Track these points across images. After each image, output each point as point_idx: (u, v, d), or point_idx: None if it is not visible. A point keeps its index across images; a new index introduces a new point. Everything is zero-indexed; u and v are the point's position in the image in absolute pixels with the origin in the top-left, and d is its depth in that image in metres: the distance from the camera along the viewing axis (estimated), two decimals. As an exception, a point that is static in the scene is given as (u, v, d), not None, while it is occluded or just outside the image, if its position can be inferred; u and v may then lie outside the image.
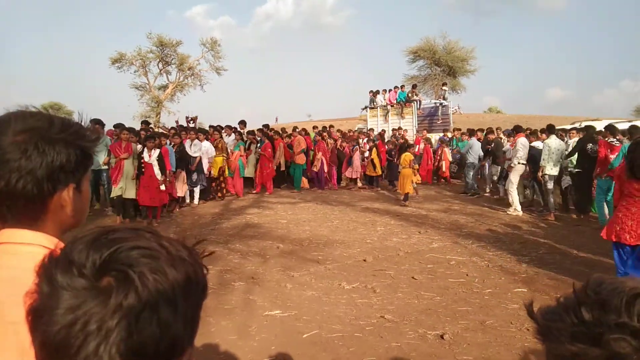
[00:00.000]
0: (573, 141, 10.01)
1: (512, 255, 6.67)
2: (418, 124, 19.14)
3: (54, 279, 0.58)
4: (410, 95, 19.70)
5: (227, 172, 12.03)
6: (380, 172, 14.37)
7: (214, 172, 11.54)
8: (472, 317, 4.49)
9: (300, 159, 13.53)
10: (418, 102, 19.59)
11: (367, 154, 14.44)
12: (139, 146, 8.93)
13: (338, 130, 17.78)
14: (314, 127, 17.55)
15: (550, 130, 9.79)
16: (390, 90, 20.48)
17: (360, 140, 15.27)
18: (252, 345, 3.92)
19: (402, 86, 21.04)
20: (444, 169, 15.25)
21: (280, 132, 15.30)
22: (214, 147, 11.55)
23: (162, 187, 8.89)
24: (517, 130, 10.94)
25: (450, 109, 19.99)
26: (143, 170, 8.66)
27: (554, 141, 9.50)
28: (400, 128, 18.02)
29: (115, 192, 8.60)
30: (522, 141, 10.07)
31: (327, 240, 7.57)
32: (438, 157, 15.32)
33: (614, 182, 6.16)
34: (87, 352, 0.54)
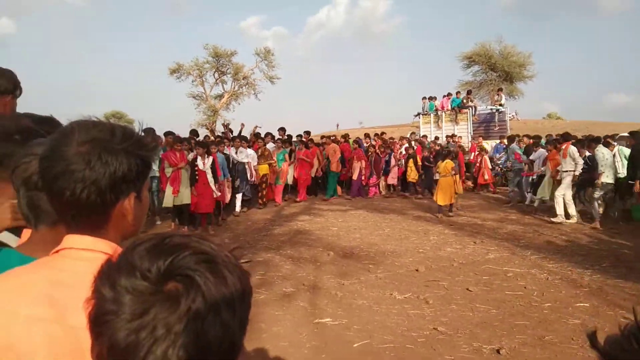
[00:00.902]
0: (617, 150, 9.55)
1: (573, 267, 6.35)
2: (473, 130, 18.68)
3: (118, 283, 0.59)
4: (465, 101, 19.26)
5: (269, 179, 12.06)
6: (416, 179, 14.11)
7: (257, 180, 11.63)
8: (531, 332, 4.30)
9: (336, 167, 13.35)
10: (473, 109, 19.12)
11: (401, 161, 14.29)
12: (191, 154, 9.10)
13: (375, 135, 17.57)
14: (366, 135, 17.50)
15: (596, 141, 9.82)
16: (444, 96, 20.12)
17: (400, 147, 15.13)
18: (302, 353, 3.93)
19: (458, 92, 20.62)
20: (485, 177, 14.71)
21: (340, 138, 15.24)
22: (260, 154, 11.67)
23: (216, 194, 8.99)
24: (565, 138, 10.41)
25: (507, 115, 19.38)
26: (197, 177, 8.73)
27: (606, 150, 9.43)
28: (454, 135, 17.64)
29: (173, 200, 8.68)
30: (573, 150, 9.64)
31: (378, 248, 7.49)
32: (478, 165, 14.88)
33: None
34: (155, 356, 0.55)
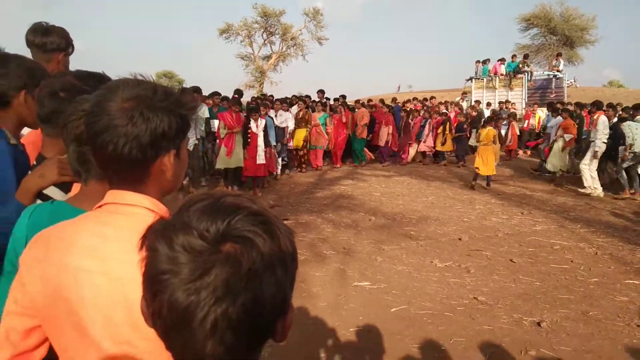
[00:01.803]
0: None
1: (625, 243, 6.10)
2: (528, 97, 17.89)
3: (175, 242, 0.59)
4: (521, 65, 18.39)
5: (311, 143, 11.84)
6: (451, 148, 13.45)
7: (298, 144, 11.41)
8: (574, 307, 4.21)
9: (363, 133, 12.81)
10: (529, 74, 18.26)
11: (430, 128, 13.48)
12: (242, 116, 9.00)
13: (414, 99, 17.07)
14: (414, 98, 17.11)
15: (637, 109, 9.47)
16: (498, 60, 19.29)
17: (449, 112, 14.47)
18: (340, 314, 4.00)
19: (514, 56, 19.70)
20: (510, 142, 14.09)
21: (378, 102, 14.77)
22: (299, 118, 11.38)
23: (262, 160, 8.79)
24: (598, 106, 10.03)
25: (565, 81, 18.39)
26: (249, 141, 8.61)
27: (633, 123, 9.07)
28: (507, 101, 16.98)
29: (227, 162, 8.61)
30: (603, 119, 9.26)
31: (420, 215, 7.43)
32: (508, 132, 14.16)
33: None
34: (216, 315, 0.56)
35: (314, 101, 13.40)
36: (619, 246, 5.99)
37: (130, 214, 0.95)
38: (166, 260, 0.59)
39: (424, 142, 13.54)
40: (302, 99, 12.63)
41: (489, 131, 9.80)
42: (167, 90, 0.98)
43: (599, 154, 9.25)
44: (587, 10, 40.52)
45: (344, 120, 12.52)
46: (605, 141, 9.21)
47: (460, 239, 6.19)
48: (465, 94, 18.91)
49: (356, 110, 13.43)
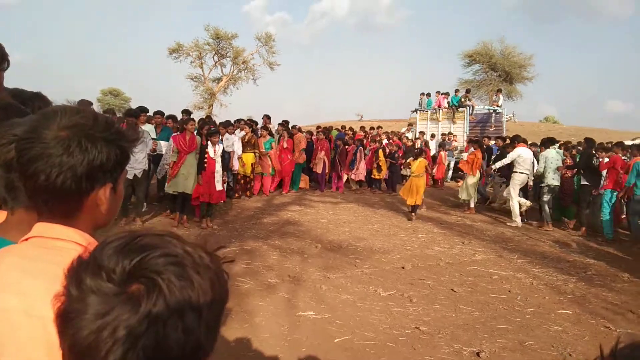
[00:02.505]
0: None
1: (559, 273, 6.39)
2: (470, 130, 18.67)
3: (83, 282, 0.59)
4: (463, 100, 19.22)
5: (257, 169, 11.46)
6: (383, 176, 13.80)
7: (246, 170, 11.01)
8: (512, 337, 4.33)
9: (300, 158, 12.70)
10: (471, 108, 19.09)
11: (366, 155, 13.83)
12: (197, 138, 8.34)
13: (361, 128, 17.47)
14: (361, 127, 17.44)
15: (545, 144, 10.03)
16: (443, 94, 20.08)
17: (385, 141, 14.96)
18: (283, 346, 3.92)
19: (457, 90, 20.57)
20: (438, 173, 15.16)
21: (318, 130, 14.87)
22: (245, 142, 11.02)
23: (220, 186, 8.26)
24: (516, 140, 10.78)
25: (504, 116, 19.36)
26: (205, 165, 7.98)
27: (553, 152, 9.81)
28: (450, 133, 17.65)
29: (175, 187, 7.88)
30: (519, 151, 10.01)
31: (366, 243, 7.50)
32: (438, 160, 15.30)
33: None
34: (116, 357, 0.55)
35: (259, 127, 13.12)
36: (554, 276, 6.26)
37: (58, 248, 0.90)
38: (75, 301, 0.58)
39: (357, 170, 13.71)
40: (247, 123, 12.37)
41: (420, 162, 9.75)
42: (108, 120, 0.95)
43: (517, 185, 9.94)
44: (525, 49, 43.01)
45: (285, 145, 12.29)
46: (523, 172, 9.89)
47: (403, 268, 6.27)
48: (411, 125, 19.49)
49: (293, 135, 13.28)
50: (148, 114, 9.60)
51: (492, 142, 15.25)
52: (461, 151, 16.36)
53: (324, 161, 13.06)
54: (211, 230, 7.78)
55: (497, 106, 19.17)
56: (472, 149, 11.94)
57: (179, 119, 10.60)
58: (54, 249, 0.90)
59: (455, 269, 6.39)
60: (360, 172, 13.65)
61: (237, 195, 11.04)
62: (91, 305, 0.57)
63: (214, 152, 8.11)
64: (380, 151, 13.64)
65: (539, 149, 10.32)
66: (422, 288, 5.55)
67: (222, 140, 9.88)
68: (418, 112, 20.64)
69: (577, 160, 10.09)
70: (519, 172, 9.95)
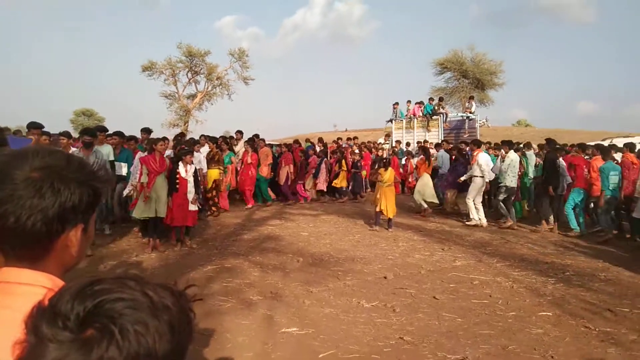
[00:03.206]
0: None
1: (538, 276, 6.48)
2: (444, 136, 18.93)
3: (40, 330, 0.58)
4: (436, 108, 19.52)
5: (221, 186, 11.27)
6: (345, 184, 14.04)
7: (208, 186, 10.74)
8: (494, 342, 4.36)
9: (266, 172, 12.68)
10: (444, 115, 19.39)
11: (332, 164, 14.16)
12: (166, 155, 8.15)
13: (339, 139, 17.59)
14: (339, 138, 17.53)
15: (510, 145, 10.57)
16: (417, 103, 20.37)
17: (356, 151, 15.20)
18: (267, 364, 3.88)
19: (431, 99, 20.87)
20: (410, 179, 15.59)
21: (294, 143, 14.88)
22: (210, 158, 10.90)
23: (193, 207, 7.89)
24: (477, 144, 11.29)
25: (478, 122, 19.70)
26: (177, 187, 7.61)
27: (514, 155, 10.28)
28: (426, 141, 17.86)
29: (146, 211, 7.46)
30: (481, 156, 10.46)
31: (347, 255, 7.49)
32: (406, 168, 15.75)
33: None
34: None
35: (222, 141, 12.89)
36: (533, 279, 6.34)
37: (26, 294, 0.86)
38: (32, 348, 0.58)
39: (322, 180, 13.87)
40: (211, 139, 12.28)
41: (390, 172, 9.74)
42: (81, 161, 0.94)
43: (480, 188, 10.36)
44: (495, 56, 43.97)
45: (249, 161, 12.17)
46: (483, 176, 10.30)
47: (385, 278, 6.28)
48: (388, 135, 19.68)
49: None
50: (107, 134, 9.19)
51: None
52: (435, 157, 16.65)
53: (287, 173, 13.06)
54: (190, 250, 7.66)
55: (470, 112, 19.52)
56: (421, 155, 12.52)
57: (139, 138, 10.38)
58: (22, 294, 0.87)
59: (437, 276, 6.42)
60: (320, 182, 13.87)
61: (208, 213, 10.78)
62: (48, 352, 0.57)
63: (185, 171, 7.72)
64: (343, 161, 13.85)
65: (502, 150, 10.67)
66: (405, 297, 5.56)
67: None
68: (393, 121, 20.87)
69: (543, 162, 10.43)
70: (480, 177, 10.35)
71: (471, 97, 22.20)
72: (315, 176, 13.87)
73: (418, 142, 17.92)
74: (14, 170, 0.86)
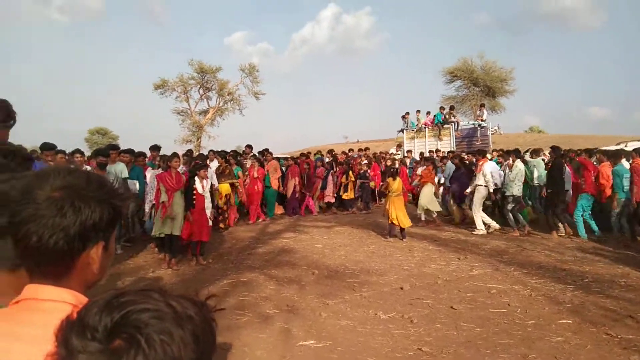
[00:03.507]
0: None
1: (556, 283, 6.40)
2: (456, 145, 18.87)
3: (70, 342, 0.60)
4: (447, 116, 19.49)
5: (232, 199, 11.30)
6: (352, 195, 13.94)
7: (220, 201, 10.68)
8: (514, 351, 4.31)
9: (275, 185, 12.75)
10: (456, 124, 19.35)
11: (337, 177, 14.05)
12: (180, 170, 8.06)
13: (350, 150, 17.63)
14: (350, 150, 17.57)
15: (517, 154, 10.83)
16: (427, 112, 20.37)
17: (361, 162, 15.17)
18: (285, 377, 3.87)
19: (442, 107, 20.85)
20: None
21: (300, 156, 14.97)
22: (220, 172, 10.91)
23: (210, 222, 7.93)
24: (482, 154, 11.26)
25: (490, 129, 19.61)
26: (194, 202, 7.60)
27: (522, 164, 10.41)
28: (438, 150, 17.81)
29: (162, 228, 7.45)
30: (486, 166, 10.43)
31: (363, 266, 7.48)
32: (414, 178, 15.42)
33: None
34: None
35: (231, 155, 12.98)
36: (551, 286, 6.26)
37: (50, 310, 0.88)
38: None
39: (330, 192, 13.84)
40: (219, 154, 12.33)
41: (399, 181, 9.76)
42: (100, 179, 0.97)
43: (481, 197, 10.35)
44: (505, 63, 43.83)
45: (255, 175, 12.14)
46: (487, 185, 10.26)
47: (402, 288, 6.25)
48: (399, 145, 19.67)
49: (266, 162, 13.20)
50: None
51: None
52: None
53: (295, 186, 13.08)
54: (206, 265, 7.69)
55: (482, 120, 19.45)
56: (425, 166, 12.45)
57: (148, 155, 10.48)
58: (45, 311, 0.89)
59: (454, 285, 6.38)
60: (327, 194, 13.83)
61: (221, 226, 10.80)
62: None
63: (202, 187, 7.67)
64: (350, 172, 13.84)
65: (510, 159, 10.74)
66: (422, 308, 5.52)
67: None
68: (404, 131, 20.87)
69: (549, 170, 10.31)
70: (484, 186, 10.32)
71: (482, 105, 22.10)
72: (323, 188, 13.88)
73: (430, 152, 17.89)
74: (36, 190, 0.89)
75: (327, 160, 15.05)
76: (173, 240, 7.60)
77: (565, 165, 10.02)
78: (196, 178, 7.70)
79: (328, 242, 9.50)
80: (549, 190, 9.93)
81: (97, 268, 0.97)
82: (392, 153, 18.87)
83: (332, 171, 14.00)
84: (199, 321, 0.67)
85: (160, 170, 8.10)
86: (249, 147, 14.14)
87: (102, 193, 0.93)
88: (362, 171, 14.23)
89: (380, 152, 18.35)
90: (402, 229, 9.55)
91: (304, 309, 5.49)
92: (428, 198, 11.44)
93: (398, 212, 9.45)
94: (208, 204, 7.79)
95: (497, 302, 5.67)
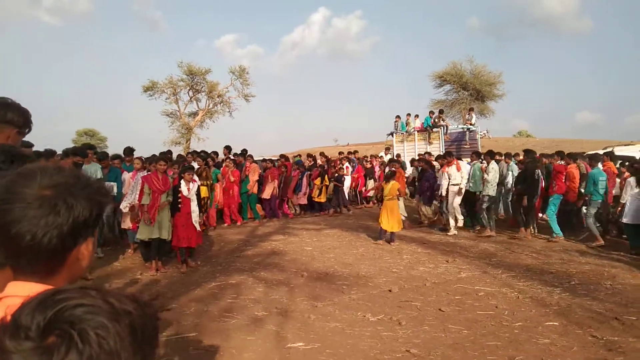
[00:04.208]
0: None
1: (543, 286, 6.45)
2: (445, 149, 18.95)
3: (3, 344, 0.60)
4: (436, 120, 19.58)
5: (209, 203, 11.08)
6: (324, 199, 13.90)
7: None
8: (501, 353, 4.34)
9: (252, 187, 12.59)
10: (445, 128, 19.45)
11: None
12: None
13: (321, 154, 17.64)
14: (340, 153, 17.58)
15: (491, 155, 11.11)
16: (416, 116, 20.47)
17: (348, 164, 15.28)
18: (274, 380, 3.86)
19: (431, 112, 20.95)
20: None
21: (280, 158, 14.74)
22: (198, 175, 10.26)
23: (198, 227, 7.74)
24: (449, 155, 11.47)
25: (478, 133, 19.73)
26: (180, 206, 7.46)
27: (495, 165, 10.74)
28: (428, 153, 17.88)
29: (150, 232, 7.25)
30: (452, 167, 10.78)
31: (352, 269, 7.48)
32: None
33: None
34: None
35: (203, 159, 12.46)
36: (538, 289, 6.32)
37: None
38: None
39: (303, 194, 13.84)
40: (200, 155, 12.14)
41: (393, 185, 9.60)
42: (87, 177, 0.98)
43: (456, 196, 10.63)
44: (494, 67, 44.04)
45: (231, 179, 11.99)
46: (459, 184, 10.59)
47: (390, 291, 6.26)
48: (388, 148, 19.72)
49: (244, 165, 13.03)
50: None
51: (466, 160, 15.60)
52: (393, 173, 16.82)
53: (274, 188, 13.02)
54: (195, 267, 7.64)
55: (471, 124, 19.56)
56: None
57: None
58: None
59: (442, 288, 6.41)
60: (300, 196, 13.87)
61: (202, 228, 10.31)
62: None
63: (187, 190, 7.50)
64: (326, 176, 13.83)
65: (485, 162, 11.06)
66: (410, 310, 5.54)
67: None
68: (394, 135, 20.94)
69: (521, 172, 10.69)
70: (455, 185, 10.65)
71: (471, 109, 22.25)
72: (297, 190, 13.87)
73: (419, 154, 17.96)
74: (23, 189, 0.89)
75: (307, 164, 14.97)
76: (160, 245, 7.42)
77: (537, 168, 10.41)
78: (182, 181, 7.55)
79: (317, 244, 9.50)
80: (518, 192, 10.31)
81: (86, 263, 0.99)
82: (381, 156, 18.90)
83: (307, 173, 13.93)
84: (138, 316, 0.66)
85: (145, 173, 7.96)
86: (227, 148, 13.98)
87: (90, 190, 0.94)
88: (337, 175, 14.18)
89: (364, 156, 18.26)
90: (391, 233, 9.56)
91: (293, 312, 5.48)
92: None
93: (390, 216, 9.42)
94: (194, 207, 7.62)
95: (484, 305, 5.71)
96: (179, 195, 7.49)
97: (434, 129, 19.40)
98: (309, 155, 16.27)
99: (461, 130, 19.82)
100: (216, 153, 14.01)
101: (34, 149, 8.00)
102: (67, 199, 0.89)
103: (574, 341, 4.56)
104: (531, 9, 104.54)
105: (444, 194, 10.94)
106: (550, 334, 4.76)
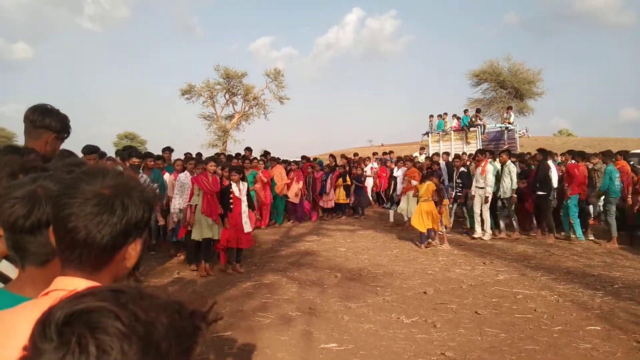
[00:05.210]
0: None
1: (584, 289, 6.24)
2: (483, 148, 18.58)
3: (37, 342, 0.61)
4: (473, 119, 19.23)
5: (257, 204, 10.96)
6: (346, 200, 13.72)
7: None
8: (540, 357, 4.22)
9: (280, 190, 12.45)
10: (482, 127, 19.07)
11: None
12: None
13: (374, 154, 17.54)
14: (374, 153, 17.49)
15: (510, 155, 10.81)
16: (454, 115, 20.17)
17: (374, 165, 15.12)
18: (307, 380, 3.87)
19: (466, 110, 20.59)
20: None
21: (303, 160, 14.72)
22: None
23: (248, 227, 7.56)
24: (481, 153, 10.86)
25: (517, 132, 19.24)
26: (231, 207, 7.37)
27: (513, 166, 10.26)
28: (464, 153, 17.58)
29: (201, 233, 7.23)
30: (489, 167, 10.14)
31: (386, 270, 7.43)
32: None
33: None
34: None
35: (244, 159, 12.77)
36: (579, 292, 6.12)
37: None
38: (31, 357, 0.60)
39: (327, 196, 13.61)
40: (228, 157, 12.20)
41: (428, 186, 9.21)
42: (141, 182, 1.02)
43: (489, 199, 10.00)
44: (533, 64, 42.91)
45: (264, 180, 11.86)
46: (492, 186, 10.00)
47: (425, 293, 6.18)
48: (423, 148, 19.49)
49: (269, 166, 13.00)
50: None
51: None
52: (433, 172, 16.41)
53: (298, 189, 12.80)
54: (239, 272, 7.35)
55: (509, 123, 19.09)
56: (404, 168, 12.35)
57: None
58: None
59: (479, 290, 6.28)
60: (329, 199, 13.60)
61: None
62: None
63: (239, 191, 7.43)
64: (347, 176, 13.66)
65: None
66: (446, 312, 5.46)
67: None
68: (429, 134, 20.68)
69: (535, 172, 10.30)
70: (481, 187, 10.04)
71: (509, 108, 21.70)
72: (322, 192, 13.55)
73: (456, 154, 17.66)
74: (85, 186, 0.94)
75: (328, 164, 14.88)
76: (209, 245, 7.39)
77: (553, 167, 10.28)
78: (232, 180, 7.48)
79: (351, 245, 9.48)
80: (538, 194, 10.03)
81: (131, 263, 1.02)
82: (415, 156, 18.70)
83: (330, 175, 13.66)
84: (166, 326, 0.65)
85: (185, 173, 8.17)
86: (248, 149, 13.91)
87: (144, 193, 0.99)
88: (358, 175, 14.03)
89: (384, 157, 17.93)
90: (435, 233, 9.36)
91: (326, 312, 5.48)
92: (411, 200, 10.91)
93: (425, 217, 9.11)
94: (245, 208, 7.52)
95: (523, 308, 5.56)
96: (230, 195, 7.42)
97: (471, 129, 19.05)
98: (330, 156, 16.18)
99: (499, 129, 19.39)
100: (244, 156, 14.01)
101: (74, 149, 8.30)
102: (123, 200, 0.94)
103: (617, 347, 4.39)
104: (571, 2, 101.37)
105: (472, 194, 10.49)
106: (592, 338, 4.60)
